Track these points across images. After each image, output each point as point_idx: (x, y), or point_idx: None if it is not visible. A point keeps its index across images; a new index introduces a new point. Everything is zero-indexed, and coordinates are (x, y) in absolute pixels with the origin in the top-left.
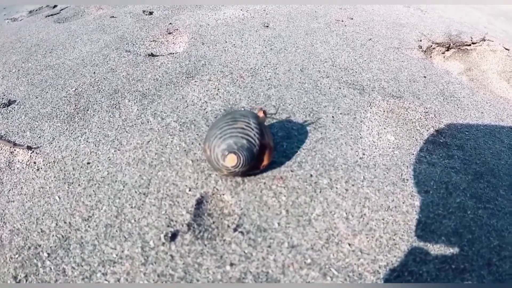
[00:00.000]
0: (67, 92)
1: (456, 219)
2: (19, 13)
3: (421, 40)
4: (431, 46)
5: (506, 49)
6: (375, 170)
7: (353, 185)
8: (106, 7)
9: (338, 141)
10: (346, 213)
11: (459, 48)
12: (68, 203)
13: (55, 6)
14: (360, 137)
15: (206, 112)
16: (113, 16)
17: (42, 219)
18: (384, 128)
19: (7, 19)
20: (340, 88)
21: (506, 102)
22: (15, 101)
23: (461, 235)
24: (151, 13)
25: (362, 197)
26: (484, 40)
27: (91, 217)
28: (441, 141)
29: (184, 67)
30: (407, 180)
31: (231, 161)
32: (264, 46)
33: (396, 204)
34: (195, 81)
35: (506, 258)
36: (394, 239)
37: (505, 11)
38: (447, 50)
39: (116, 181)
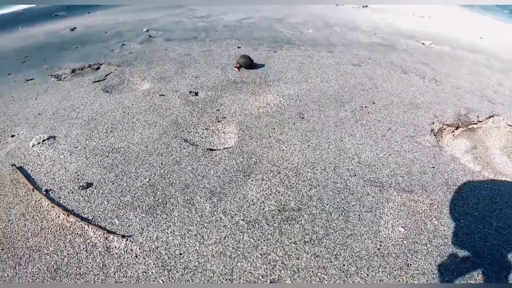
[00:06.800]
0: (141, 182)
1: None
2: (61, 69)
3: (433, 123)
4: (442, 127)
5: (509, 125)
6: (388, 258)
7: (372, 271)
8: (150, 79)
9: (362, 237)
10: None
11: (467, 127)
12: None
13: (97, 68)
14: (379, 231)
15: (265, 212)
16: (162, 95)
17: None
18: (397, 221)
19: (52, 75)
20: (364, 186)
21: (503, 182)
22: (91, 184)
23: None
24: (196, 93)
25: (378, 280)
26: (490, 117)
27: None
28: (440, 229)
29: (239, 165)
30: (411, 265)
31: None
32: (302, 142)
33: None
34: (251, 181)
35: None
36: None
37: None
38: (456, 129)
39: (206, 269)
